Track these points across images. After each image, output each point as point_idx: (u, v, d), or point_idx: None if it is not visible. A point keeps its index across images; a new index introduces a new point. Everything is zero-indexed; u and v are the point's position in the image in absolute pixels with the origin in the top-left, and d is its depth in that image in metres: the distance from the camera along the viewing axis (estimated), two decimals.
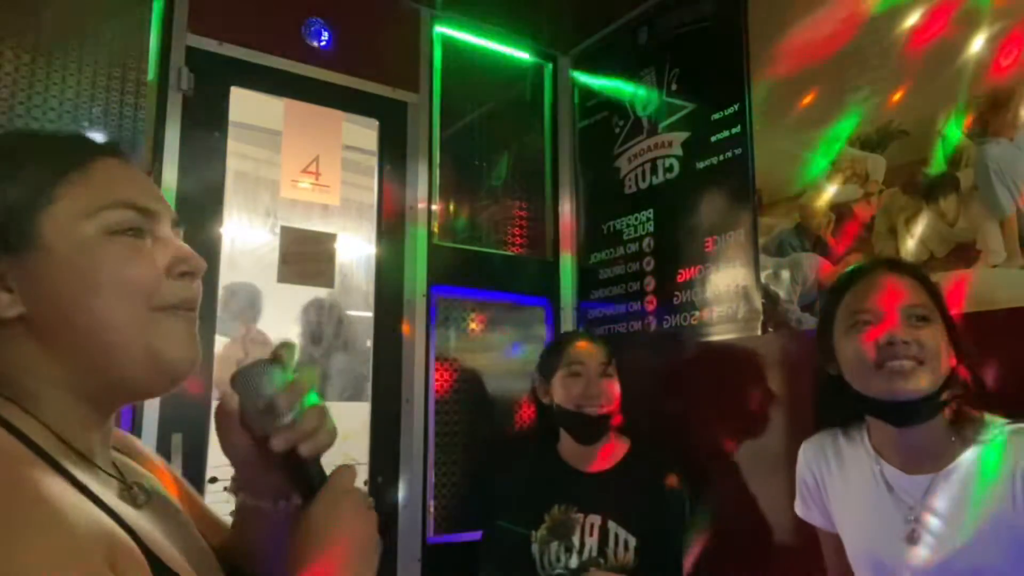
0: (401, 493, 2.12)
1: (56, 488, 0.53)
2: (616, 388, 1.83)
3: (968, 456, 1.12)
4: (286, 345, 0.73)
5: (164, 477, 0.80)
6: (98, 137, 1.70)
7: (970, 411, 1.13)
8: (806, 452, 1.34)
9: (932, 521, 1.12)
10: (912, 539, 1.14)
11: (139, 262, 0.63)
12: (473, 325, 2.35)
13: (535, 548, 1.77)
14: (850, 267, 1.30)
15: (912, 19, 1.58)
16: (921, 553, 1.13)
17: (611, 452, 1.84)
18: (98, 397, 0.64)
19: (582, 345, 1.87)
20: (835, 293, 1.23)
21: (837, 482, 1.27)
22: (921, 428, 1.13)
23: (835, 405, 1.26)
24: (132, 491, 0.66)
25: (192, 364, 0.67)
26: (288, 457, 0.69)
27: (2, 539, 0.46)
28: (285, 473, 0.72)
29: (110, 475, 0.66)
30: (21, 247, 0.60)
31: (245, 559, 0.77)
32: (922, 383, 1.10)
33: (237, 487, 0.76)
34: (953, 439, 1.13)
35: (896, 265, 1.24)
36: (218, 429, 0.74)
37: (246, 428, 0.71)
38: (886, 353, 1.11)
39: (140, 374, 0.64)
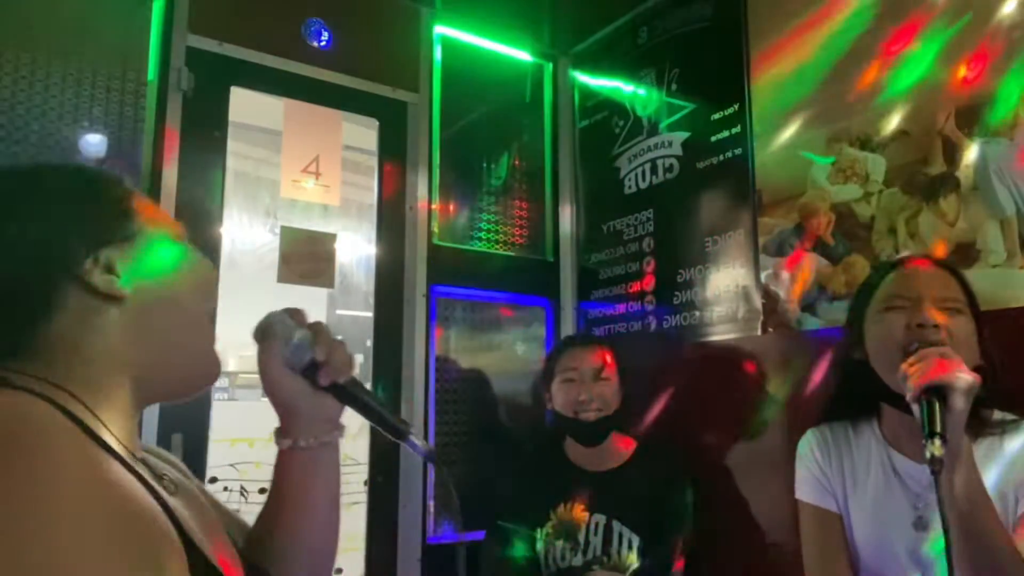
0: (401, 493, 2.12)
1: (115, 468, 0.58)
2: (611, 390, 1.82)
3: (975, 448, 1.12)
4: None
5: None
6: (100, 142, 1.75)
7: (983, 408, 1.14)
8: (814, 436, 1.34)
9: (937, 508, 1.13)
10: (920, 525, 1.15)
11: (202, 266, 0.76)
12: (473, 325, 2.35)
13: (540, 546, 1.77)
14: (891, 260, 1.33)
15: (913, 18, 1.58)
16: (928, 539, 1.14)
17: (617, 452, 1.84)
18: (147, 393, 0.70)
19: (576, 351, 1.87)
20: (871, 280, 1.25)
21: (847, 468, 1.28)
22: None
23: (854, 393, 1.26)
24: (163, 480, 0.69)
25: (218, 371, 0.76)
26: (333, 387, 0.80)
27: (62, 513, 0.48)
28: (336, 398, 0.82)
29: (145, 465, 0.69)
30: (126, 238, 0.68)
31: (289, 509, 0.82)
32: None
33: (291, 435, 0.82)
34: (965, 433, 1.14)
35: (934, 259, 1.26)
36: (265, 379, 0.81)
37: (289, 370, 0.79)
38: (915, 335, 1.11)
39: (197, 371, 0.74)
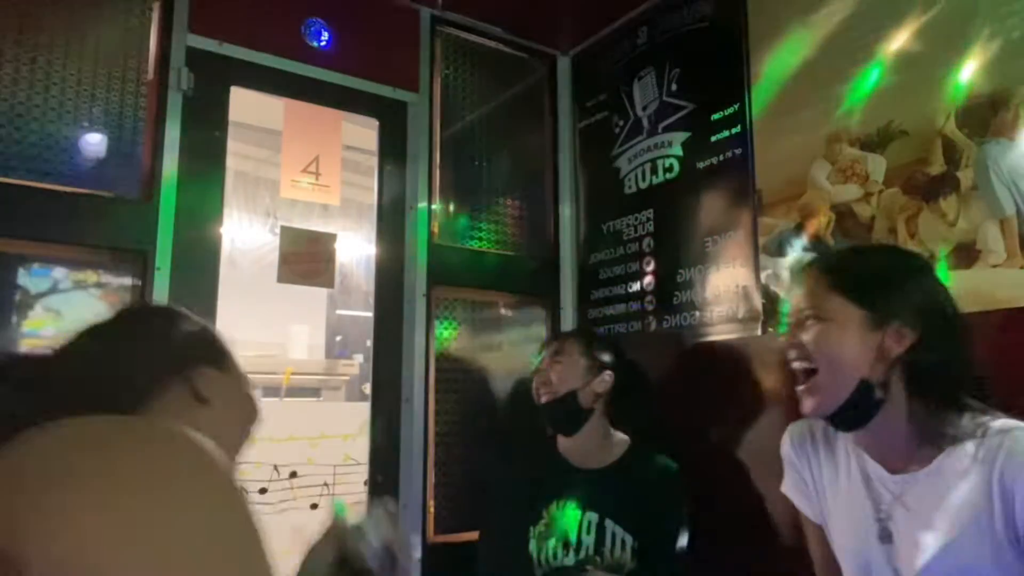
0: (401, 493, 2.12)
1: None
2: (561, 371, 1.82)
3: (948, 456, 1.05)
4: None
5: None
6: (100, 142, 1.84)
7: (942, 410, 1.06)
8: (792, 433, 1.31)
9: (904, 520, 1.08)
10: (883, 537, 1.11)
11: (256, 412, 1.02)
12: (473, 325, 2.35)
13: (532, 545, 1.77)
14: None
15: (913, 18, 1.58)
16: (895, 552, 1.10)
17: (610, 449, 1.84)
18: None
19: (547, 346, 1.92)
20: None
21: (826, 469, 1.24)
22: (872, 429, 1.10)
23: None
24: None
25: None
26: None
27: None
28: None
29: None
30: (222, 368, 0.96)
31: None
32: (817, 400, 1.11)
33: None
34: (920, 439, 1.07)
35: (813, 262, 1.21)
36: None
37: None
38: (789, 357, 1.14)
39: None
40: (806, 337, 1.10)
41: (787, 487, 1.33)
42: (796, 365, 1.13)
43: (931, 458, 1.07)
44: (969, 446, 1.04)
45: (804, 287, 1.15)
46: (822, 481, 1.25)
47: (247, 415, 1.00)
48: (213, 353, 0.97)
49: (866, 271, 1.13)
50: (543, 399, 1.83)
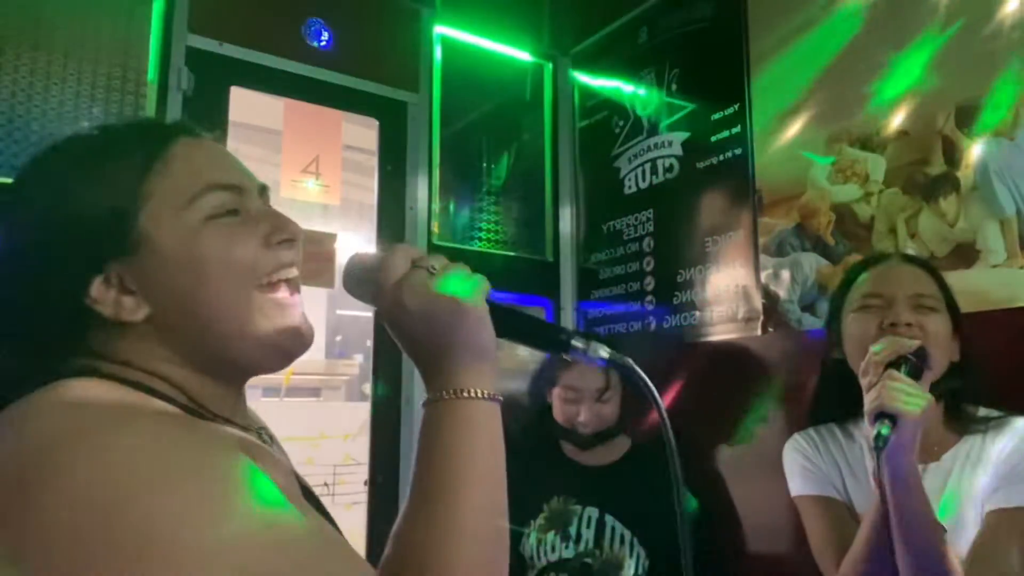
0: (401, 493, 2.12)
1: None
2: (611, 410, 1.81)
3: (960, 446, 1.15)
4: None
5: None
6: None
7: (967, 406, 1.17)
8: (802, 437, 1.32)
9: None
10: None
11: (240, 242, 0.65)
12: None
13: (532, 538, 1.77)
14: (865, 257, 1.34)
15: (912, 18, 1.58)
16: None
17: (613, 447, 1.85)
18: (226, 376, 0.67)
19: (579, 370, 1.80)
20: (847, 279, 1.27)
21: (842, 464, 1.26)
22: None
23: (836, 393, 1.26)
24: (262, 437, 0.71)
25: (301, 336, 0.68)
26: None
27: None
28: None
29: (245, 427, 0.70)
30: (131, 250, 0.62)
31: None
32: (929, 376, 1.10)
33: None
34: (948, 430, 1.17)
35: (909, 257, 1.29)
36: None
37: None
38: (889, 335, 1.12)
39: (257, 357, 0.67)
40: (926, 323, 1.14)
41: (799, 484, 1.31)
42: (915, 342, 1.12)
43: (945, 449, 1.16)
44: (977, 438, 1.14)
45: (912, 275, 1.20)
46: (840, 472, 1.26)
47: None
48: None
49: (946, 283, 1.23)
50: (588, 432, 1.79)
